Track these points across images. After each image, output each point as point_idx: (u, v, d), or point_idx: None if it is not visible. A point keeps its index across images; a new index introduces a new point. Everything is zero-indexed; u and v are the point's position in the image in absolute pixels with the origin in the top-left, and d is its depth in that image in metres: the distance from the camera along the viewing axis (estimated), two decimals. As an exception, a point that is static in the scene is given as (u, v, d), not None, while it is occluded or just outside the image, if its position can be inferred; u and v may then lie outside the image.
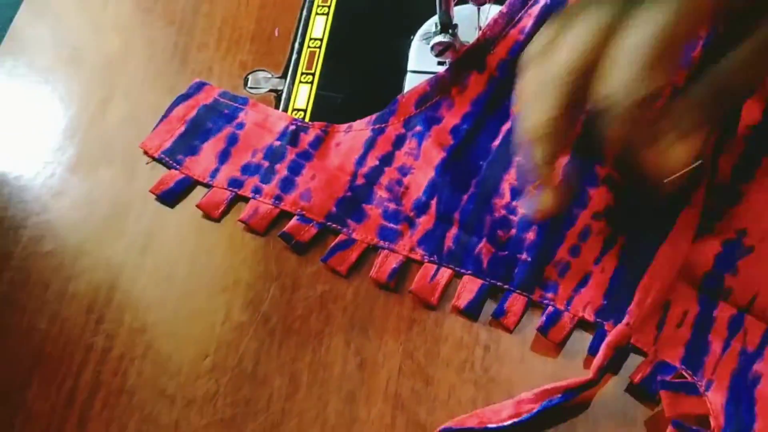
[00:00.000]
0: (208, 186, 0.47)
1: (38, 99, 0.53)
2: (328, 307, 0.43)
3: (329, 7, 0.55)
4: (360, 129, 0.48)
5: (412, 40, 0.51)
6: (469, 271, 0.43)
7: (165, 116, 0.50)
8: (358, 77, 0.51)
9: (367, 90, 0.50)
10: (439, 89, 0.47)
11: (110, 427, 0.41)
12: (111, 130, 0.51)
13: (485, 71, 0.47)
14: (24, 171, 0.50)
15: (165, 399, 0.42)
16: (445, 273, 0.43)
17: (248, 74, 0.53)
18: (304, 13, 0.55)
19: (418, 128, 0.47)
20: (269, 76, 0.53)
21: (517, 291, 0.42)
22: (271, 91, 0.52)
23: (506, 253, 0.43)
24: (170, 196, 0.48)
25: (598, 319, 0.40)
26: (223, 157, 0.48)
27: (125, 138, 0.51)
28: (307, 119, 0.50)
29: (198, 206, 0.47)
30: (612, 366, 0.39)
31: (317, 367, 0.42)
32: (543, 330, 0.41)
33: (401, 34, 0.52)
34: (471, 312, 0.42)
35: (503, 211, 0.44)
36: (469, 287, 0.42)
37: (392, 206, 0.45)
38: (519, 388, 0.40)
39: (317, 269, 0.45)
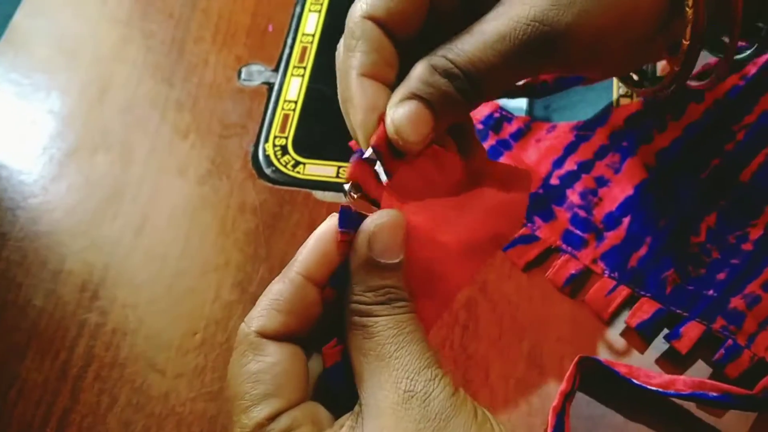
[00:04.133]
0: None
1: (38, 88, 0.55)
2: (315, 288, 0.45)
3: (321, 4, 0.57)
4: (564, 131, 0.48)
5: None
6: (649, 294, 0.42)
7: None
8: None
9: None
10: (653, 111, 0.48)
11: (102, 397, 0.43)
12: (109, 118, 0.53)
13: (702, 103, 0.47)
14: (23, 156, 0.52)
15: (156, 372, 0.43)
16: (623, 291, 0.43)
17: (242, 67, 0.55)
18: (298, 9, 0.57)
19: (625, 143, 0.47)
20: (263, 69, 0.54)
21: (697, 319, 0.41)
22: (264, 83, 0.54)
23: (693, 287, 0.42)
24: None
25: None
26: None
27: (123, 126, 0.52)
28: (297, 111, 0.52)
29: (351, 145, 0.48)
30: None
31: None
32: (720, 363, 0.40)
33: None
34: (643, 332, 0.42)
35: (697, 249, 0.43)
36: (645, 308, 0.42)
37: (582, 213, 0.45)
38: (496, 365, 0.42)
39: (305, 251, 0.46)
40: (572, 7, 0.29)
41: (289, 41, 0.55)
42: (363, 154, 0.29)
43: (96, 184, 0.50)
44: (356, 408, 0.26)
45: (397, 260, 0.27)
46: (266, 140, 0.51)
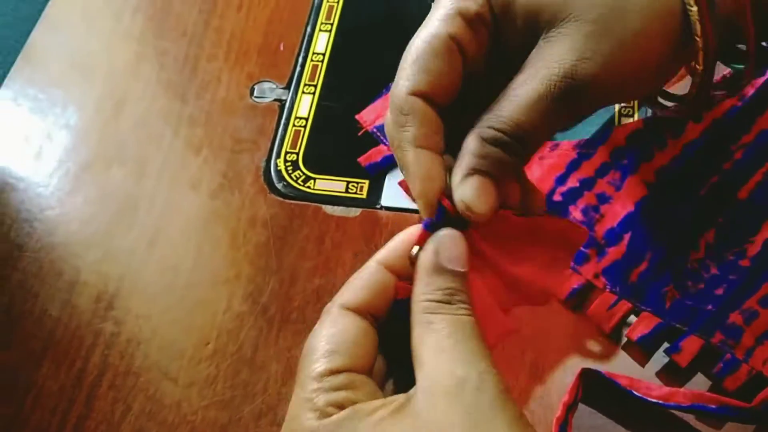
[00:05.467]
0: None
1: (54, 104, 0.56)
2: (324, 300, 0.46)
3: (332, 24, 0.58)
4: (566, 149, 0.49)
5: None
6: (649, 309, 0.44)
7: (381, 94, 0.53)
8: (358, 89, 0.55)
9: (367, 101, 0.54)
10: (653, 129, 0.49)
11: (116, 405, 0.44)
12: (124, 133, 0.54)
13: (701, 123, 0.48)
14: (40, 169, 0.53)
15: (168, 380, 0.44)
16: (624, 305, 0.44)
17: (254, 84, 0.56)
18: (308, 29, 0.58)
19: (625, 161, 0.48)
20: (274, 86, 0.56)
21: (696, 334, 0.42)
22: (275, 100, 0.55)
23: (691, 302, 0.43)
24: (375, 169, 0.51)
25: None
26: None
27: (137, 140, 0.54)
28: (308, 128, 0.53)
29: (399, 184, 0.50)
30: None
31: (312, 354, 0.44)
32: (718, 376, 0.41)
33: (400, 48, 0.55)
34: (644, 345, 0.43)
35: (696, 265, 0.44)
36: (646, 323, 0.43)
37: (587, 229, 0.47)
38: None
39: (315, 264, 0.48)
40: (596, 59, 0.31)
41: (300, 60, 0.57)
42: (428, 222, 0.32)
43: (110, 197, 0.51)
44: (411, 390, 0.28)
45: (462, 269, 0.30)
46: (278, 156, 0.52)
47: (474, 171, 0.31)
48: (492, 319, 0.34)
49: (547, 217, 0.36)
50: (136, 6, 0.61)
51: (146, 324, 0.46)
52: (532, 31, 0.33)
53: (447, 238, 0.31)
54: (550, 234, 0.36)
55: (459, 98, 0.34)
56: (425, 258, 0.31)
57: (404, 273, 0.32)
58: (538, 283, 0.36)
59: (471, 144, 0.32)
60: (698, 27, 0.33)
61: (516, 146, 0.32)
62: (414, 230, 0.32)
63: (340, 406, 0.28)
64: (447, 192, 0.32)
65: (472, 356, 0.28)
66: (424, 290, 0.30)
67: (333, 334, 0.30)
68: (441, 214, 0.32)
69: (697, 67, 0.35)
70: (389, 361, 0.32)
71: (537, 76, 0.32)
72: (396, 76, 0.33)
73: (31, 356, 0.46)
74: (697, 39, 0.33)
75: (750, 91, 0.50)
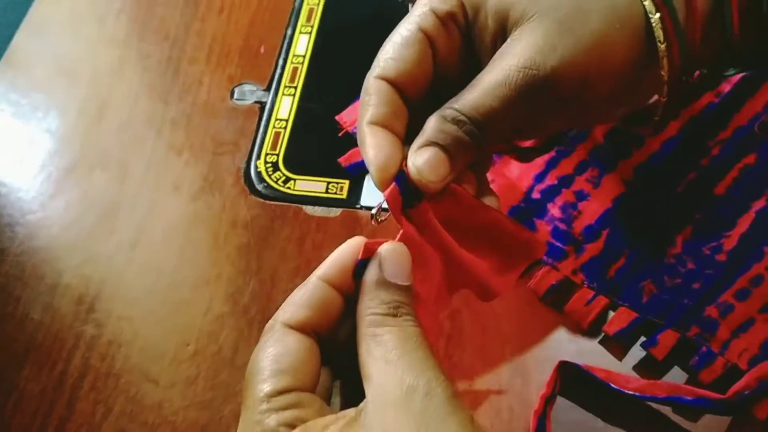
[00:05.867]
0: None
1: (37, 108, 0.57)
2: (305, 299, 0.46)
3: (312, 26, 0.59)
4: None
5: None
6: (627, 304, 0.44)
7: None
8: (338, 90, 0.55)
9: (347, 102, 0.54)
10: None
11: (97, 407, 0.44)
12: (106, 136, 0.55)
13: (679, 120, 0.49)
14: (22, 174, 0.53)
15: (149, 382, 0.44)
16: (602, 301, 0.44)
17: (235, 87, 0.56)
18: (289, 31, 0.59)
19: (604, 159, 0.48)
20: (255, 88, 0.56)
21: (673, 327, 0.43)
22: (256, 102, 0.55)
23: (668, 297, 0.44)
24: (355, 170, 0.51)
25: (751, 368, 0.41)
26: None
27: (120, 143, 0.54)
28: (288, 129, 0.54)
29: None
30: (751, 399, 0.39)
31: (293, 354, 0.45)
32: (694, 369, 0.42)
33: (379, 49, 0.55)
34: (620, 339, 0.43)
35: (673, 260, 0.45)
36: (623, 317, 0.44)
37: (563, 226, 0.47)
38: (479, 373, 0.43)
39: (296, 264, 0.48)
40: (555, 53, 0.32)
41: (281, 62, 0.57)
42: (399, 178, 0.33)
43: (92, 201, 0.52)
44: (361, 404, 0.29)
45: (406, 283, 0.31)
46: (258, 157, 0.52)
47: (430, 143, 0.33)
48: (438, 294, 0.35)
49: (506, 218, 0.36)
50: (120, 9, 0.61)
51: (127, 326, 0.47)
52: (501, 31, 0.34)
53: (391, 252, 0.31)
54: (506, 238, 0.37)
55: (432, 96, 0.35)
56: (370, 273, 0.31)
57: (346, 287, 0.32)
58: (484, 278, 0.36)
59: (432, 120, 0.33)
60: (661, 34, 0.33)
61: (473, 129, 0.33)
62: (354, 242, 0.32)
63: (291, 426, 0.28)
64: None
65: (420, 365, 0.28)
66: (369, 305, 0.30)
67: (278, 353, 0.30)
68: (400, 180, 0.32)
69: (663, 74, 0.35)
70: (335, 375, 0.33)
71: (498, 67, 0.33)
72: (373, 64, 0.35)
73: (12, 359, 0.46)
74: (661, 45, 0.34)
75: (727, 87, 0.50)
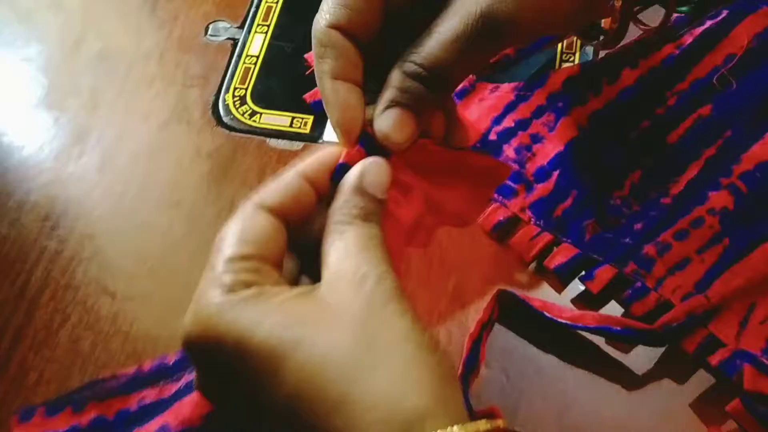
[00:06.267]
0: None
1: (18, 37, 0.58)
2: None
3: (289, -32, 0.60)
4: (505, 92, 0.51)
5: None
6: (569, 241, 0.45)
7: None
8: (309, 30, 0.56)
9: (316, 42, 0.55)
10: (589, 75, 0.50)
11: (55, 315, 0.46)
12: (82, 67, 0.56)
13: (637, 69, 0.50)
14: (-2, 98, 0.55)
15: (106, 295, 0.46)
16: (546, 237, 0.45)
17: (209, 23, 0.58)
18: (266, -28, 0.60)
19: (560, 104, 0.49)
20: (228, 26, 0.58)
21: (611, 264, 0.44)
22: (228, 39, 0.57)
23: (611, 235, 0.45)
24: (319, 106, 0.51)
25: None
26: None
27: (93, 74, 0.56)
28: (258, 65, 0.55)
29: None
30: (679, 332, 0.41)
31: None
32: (626, 302, 0.43)
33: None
34: (560, 273, 0.45)
35: (619, 202, 0.46)
36: (564, 252, 0.45)
37: (515, 167, 0.48)
38: (422, 301, 0.45)
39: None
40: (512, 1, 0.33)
41: (256, 1, 0.58)
42: (363, 142, 0.33)
43: (64, 126, 0.53)
44: (317, 285, 0.30)
45: (381, 197, 0.32)
46: (227, 91, 0.54)
47: (394, 103, 0.33)
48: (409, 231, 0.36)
49: (470, 153, 0.37)
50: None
51: (89, 243, 0.48)
52: None
53: (374, 165, 0.33)
54: (474, 169, 0.38)
55: (382, 36, 0.35)
56: (350, 177, 0.32)
57: (321, 187, 0.33)
58: (456, 209, 0.38)
59: (393, 78, 0.33)
60: None
61: (435, 82, 0.33)
62: (338, 148, 0.33)
63: (248, 286, 0.29)
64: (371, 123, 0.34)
65: (375, 261, 0.30)
66: (342, 205, 0.32)
67: (246, 227, 0.31)
68: (364, 141, 0.33)
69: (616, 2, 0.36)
70: (302, 269, 0.34)
71: (457, 15, 0.33)
72: (318, 9, 0.34)
73: (-23, 270, 0.48)
74: None
75: (688, 39, 0.51)
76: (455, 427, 0.26)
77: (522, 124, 0.50)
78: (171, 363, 0.43)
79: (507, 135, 0.50)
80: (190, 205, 0.49)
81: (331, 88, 0.33)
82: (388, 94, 0.33)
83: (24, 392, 0.43)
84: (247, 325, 0.28)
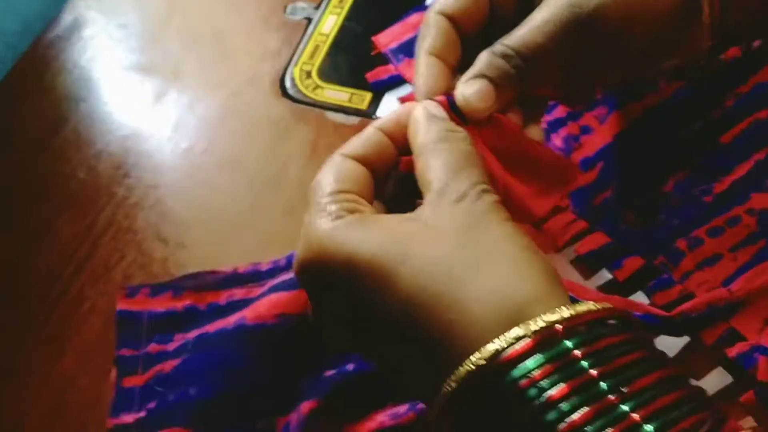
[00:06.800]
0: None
1: (120, 5, 0.64)
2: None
3: (371, -45, 0.63)
4: None
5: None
6: (603, 230, 0.45)
7: (401, 18, 0.58)
8: (381, 13, 0.59)
9: (385, 24, 0.57)
10: None
11: (113, 253, 0.50)
12: (170, 39, 0.61)
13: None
14: (93, 63, 0.60)
15: (160, 241, 0.50)
16: (581, 224, 0.46)
17: (288, 3, 0.61)
18: (350, -42, 0.63)
19: (615, 99, 0.50)
20: (306, 6, 0.61)
21: (641, 255, 0.44)
22: (305, 18, 0.60)
23: (645, 229, 0.45)
24: (379, 86, 0.55)
25: None
26: None
27: (181, 44, 0.60)
28: (327, 43, 0.58)
29: (399, 100, 0.54)
30: (699, 322, 0.40)
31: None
32: (650, 290, 0.43)
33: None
34: (589, 260, 0.45)
35: (660, 197, 0.46)
36: (595, 240, 0.45)
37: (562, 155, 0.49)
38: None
39: (306, 161, 0.52)
40: None
41: (335, -16, 0.61)
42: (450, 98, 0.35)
43: (147, 88, 0.58)
44: (419, 209, 0.32)
45: (446, 117, 0.34)
46: (295, 65, 0.57)
47: (480, 75, 0.35)
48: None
49: (544, 147, 0.38)
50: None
51: (153, 192, 0.52)
52: None
53: (430, 101, 0.35)
54: (545, 164, 0.38)
55: (487, 33, 0.38)
56: (418, 112, 0.34)
57: (400, 141, 0.35)
58: (524, 200, 0.38)
59: (483, 55, 0.36)
60: None
61: (520, 64, 0.35)
62: (414, 104, 0.35)
63: (351, 212, 0.32)
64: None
65: (474, 179, 0.31)
66: (424, 132, 0.33)
67: (339, 170, 0.33)
68: (450, 101, 0.35)
69: (704, 19, 0.36)
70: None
71: (547, 5, 0.35)
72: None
73: (55, 209, 0.53)
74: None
75: (755, 43, 0.50)
76: (564, 308, 0.26)
77: (573, 115, 0.50)
78: (264, 270, 0.47)
79: (557, 124, 0.50)
80: (247, 167, 0.53)
81: (425, 63, 0.36)
82: (475, 68, 0.36)
83: (77, 318, 0.47)
84: (356, 244, 0.30)
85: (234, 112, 0.56)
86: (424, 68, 0.36)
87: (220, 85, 0.57)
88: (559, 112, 0.50)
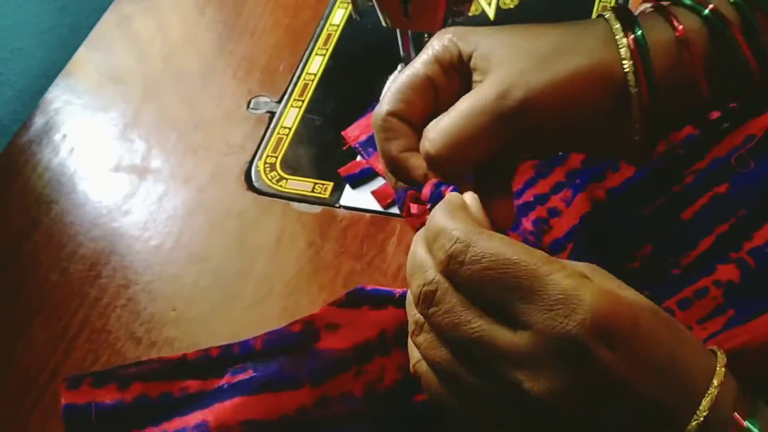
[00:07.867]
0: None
1: (87, 107, 0.66)
2: (273, 281, 0.52)
3: (327, 49, 0.66)
4: (526, 168, 0.54)
5: (387, 78, 0.61)
6: None
7: (367, 112, 0.60)
8: (340, 105, 0.61)
9: (346, 116, 0.60)
10: None
11: (87, 355, 0.51)
12: (138, 135, 0.63)
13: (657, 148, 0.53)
14: (60, 161, 0.62)
15: (133, 339, 0.51)
16: None
17: (252, 98, 0.64)
18: (307, 52, 0.66)
19: (578, 181, 0.52)
20: (268, 100, 0.63)
21: None
22: (267, 112, 0.63)
23: None
24: (352, 179, 0.57)
25: None
26: None
27: (147, 141, 0.62)
28: (290, 136, 0.60)
29: (372, 193, 0.56)
30: None
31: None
32: None
33: (383, 75, 0.62)
34: None
35: (629, 274, 0.45)
36: None
37: (532, 239, 0.51)
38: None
39: (272, 252, 0.54)
40: (526, 86, 0.36)
41: (295, 78, 0.64)
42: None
43: (116, 186, 0.60)
44: None
45: None
46: (260, 158, 0.59)
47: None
48: None
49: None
50: (164, 31, 0.70)
51: (124, 292, 0.54)
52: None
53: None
54: None
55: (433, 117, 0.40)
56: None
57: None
58: None
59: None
60: (633, 79, 0.36)
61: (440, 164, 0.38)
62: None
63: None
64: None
65: None
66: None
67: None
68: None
69: (634, 120, 0.37)
70: None
71: (474, 95, 0.37)
72: (380, 100, 0.40)
73: (28, 312, 0.54)
74: (632, 90, 0.36)
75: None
76: None
77: (541, 199, 0.52)
78: (215, 356, 0.47)
79: (526, 209, 0.52)
80: (216, 261, 0.54)
81: (399, 158, 0.39)
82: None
83: (54, 425, 0.48)
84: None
85: (201, 207, 0.58)
86: (402, 163, 0.39)
87: (187, 181, 0.59)
88: (527, 196, 0.53)
